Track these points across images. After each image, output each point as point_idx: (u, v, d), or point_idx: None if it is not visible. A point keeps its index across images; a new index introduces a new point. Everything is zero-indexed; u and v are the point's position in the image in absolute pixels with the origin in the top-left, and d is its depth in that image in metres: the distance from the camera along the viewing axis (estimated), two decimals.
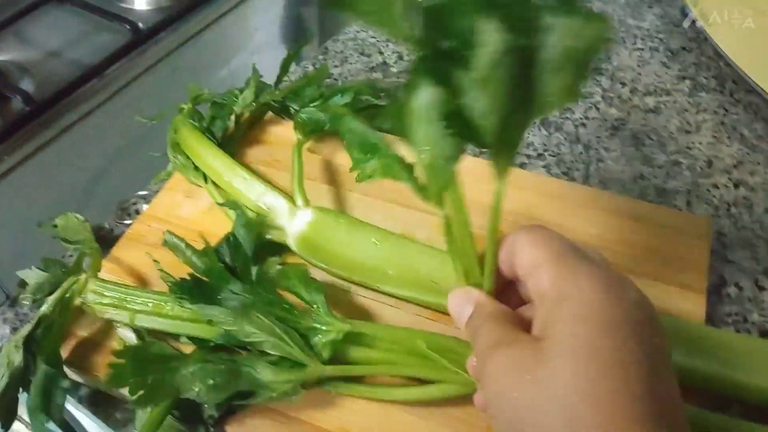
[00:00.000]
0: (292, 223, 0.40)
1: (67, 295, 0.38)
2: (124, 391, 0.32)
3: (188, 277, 0.35)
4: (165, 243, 0.39)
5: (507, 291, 0.30)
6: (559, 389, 0.22)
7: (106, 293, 0.38)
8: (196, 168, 0.45)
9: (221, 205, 0.42)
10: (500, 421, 0.24)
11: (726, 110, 0.56)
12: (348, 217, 0.41)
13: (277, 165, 0.48)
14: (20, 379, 0.35)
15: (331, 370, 0.33)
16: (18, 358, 0.35)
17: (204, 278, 0.35)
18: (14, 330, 0.42)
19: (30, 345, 0.35)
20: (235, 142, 0.49)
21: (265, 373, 0.32)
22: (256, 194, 0.42)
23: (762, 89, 0.55)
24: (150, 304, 0.36)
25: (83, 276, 0.38)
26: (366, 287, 0.39)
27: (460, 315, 0.29)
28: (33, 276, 0.39)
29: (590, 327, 0.23)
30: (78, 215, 0.42)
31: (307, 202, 0.41)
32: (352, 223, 0.40)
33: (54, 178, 0.65)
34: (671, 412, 0.22)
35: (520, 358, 0.24)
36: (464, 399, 0.35)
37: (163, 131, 0.49)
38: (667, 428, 0.22)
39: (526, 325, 0.28)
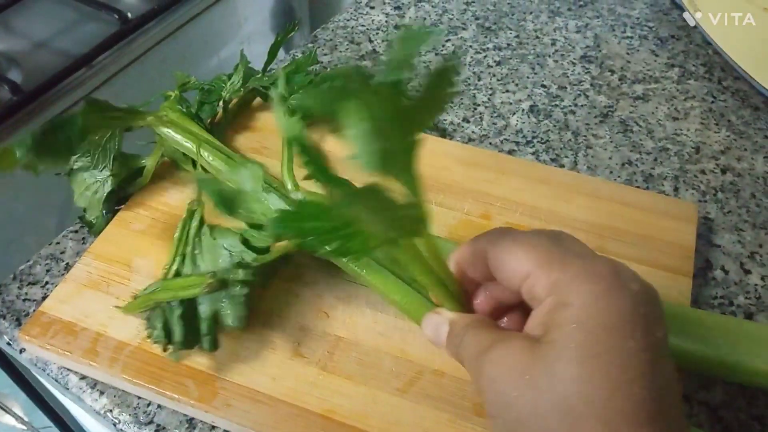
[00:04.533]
0: None
1: None
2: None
3: None
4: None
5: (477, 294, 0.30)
6: (560, 393, 0.22)
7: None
8: (184, 154, 0.45)
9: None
10: (499, 422, 0.24)
11: (714, 97, 0.56)
12: None
13: (265, 152, 0.48)
14: None
15: None
16: None
17: None
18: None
19: None
20: (223, 129, 0.48)
21: None
22: None
23: (750, 76, 0.55)
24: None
25: None
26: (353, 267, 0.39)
27: (437, 336, 0.29)
28: None
29: (590, 332, 0.23)
30: None
31: (296, 186, 0.41)
32: None
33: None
34: (669, 408, 0.22)
35: (516, 356, 0.24)
36: (451, 382, 0.35)
37: None
38: (666, 426, 0.22)
39: (510, 326, 0.29)
